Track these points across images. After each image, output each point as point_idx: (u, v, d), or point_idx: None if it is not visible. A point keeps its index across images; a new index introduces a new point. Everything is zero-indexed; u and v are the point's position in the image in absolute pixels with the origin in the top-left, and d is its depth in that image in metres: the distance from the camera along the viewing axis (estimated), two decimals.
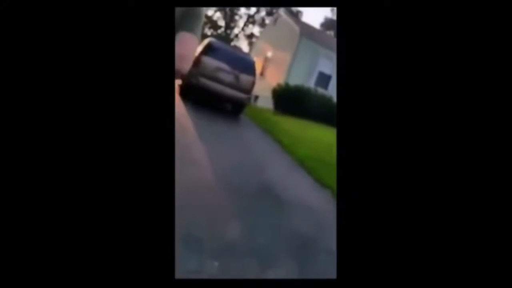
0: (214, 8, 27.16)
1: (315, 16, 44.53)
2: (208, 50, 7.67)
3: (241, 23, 30.64)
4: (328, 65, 14.13)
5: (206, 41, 8.25)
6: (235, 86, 7.66)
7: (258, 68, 10.68)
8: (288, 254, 2.49)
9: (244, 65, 7.94)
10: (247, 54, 9.67)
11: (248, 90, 7.88)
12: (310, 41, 14.23)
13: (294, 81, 12.46)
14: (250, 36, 30.52)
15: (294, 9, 24.63)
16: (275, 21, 17.68)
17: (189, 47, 1.18)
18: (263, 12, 28.96)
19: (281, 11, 17.11)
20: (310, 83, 13.39)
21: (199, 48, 8.13)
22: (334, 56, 13.29)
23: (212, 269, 2.00)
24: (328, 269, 2.41)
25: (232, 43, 28.77)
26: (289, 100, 11.40)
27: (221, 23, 30.06)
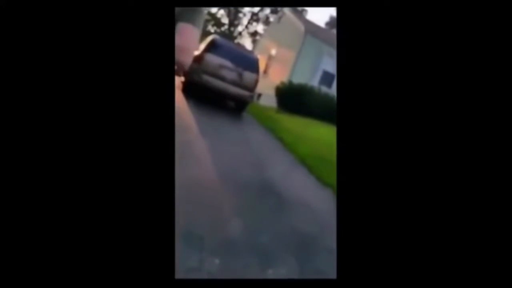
0: None
1: (319, 15, 44.30)
2: (212, 47, 7.66)
3: (245, 20, 30.61)
4: (333, 64, 14.07)
5: (209, 38, 8.24)
6: (238, 84, 7.65)
7: (261, 66, 10.66)
8: (289, 252, 2.49)
9: (248, 62, 7.92)
10: (251, 52, 9.66)
11: (251, 88, 7.87)
12: (315, 40, 14.18)
13: (298, 79, 12.42)
14: (254, 34, 30.48)
15: (299, 7, 24.56)
16: (280, 19, 17.63)
17: (189, 39, 1.18)
18: (267, 10, 28.90)
19: (286, 9, 17.06)
20: (314, 82, 13.36)
21: (202, 45, 8.11)
22: None
23: (212, 267, 2.01)
24: (329, 268, 2.41)
25: (236, 41, 28.74)
26: (292, 98, 11.37)
27: (225, 20, 30.04)
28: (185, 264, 1.93)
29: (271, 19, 25.12)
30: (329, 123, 10.13)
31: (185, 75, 8.44)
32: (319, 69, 14.17)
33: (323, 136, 7.67)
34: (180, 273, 1.82)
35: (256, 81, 7.94)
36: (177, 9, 0.97)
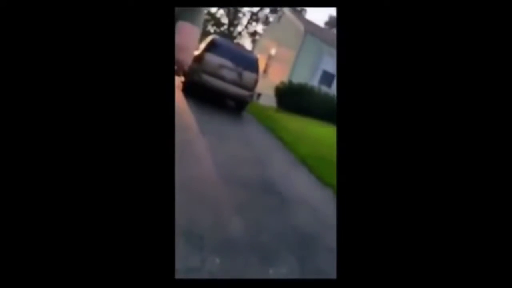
0: None
1: (319, 15, 44.28)
2: (211, 47, 7.67)
3: (244, 20, 30.62)
4: (332, 64, 14.06)
5: (209, 38, 8.25)
6: (238, 84, 7.66)
7: (261, 65, 10.66)
8: (289, 252, 2.50)
9: (247, 62, 7.93)
10: (251, 52, 9.67)
11: (251, 88, 7.88)
12: (314, 39, 14.18)
13: (298, 79, 12.42)
14: (254, 34, 30.49)
15: (298, 7, 24.57)
16: (279, 18, 17.63)
17: (189, 37, 1.16)
18: (266, 10, 28.91)
19: (285, 9, 17.06)
20: (314, 82, 13.36)
21: (202, 45, 8.12)
22: None
23: (213, 266, 2.01)
24: (329, 267, 2.42)
25: (235, 41, 28.75)
26: (292, 98, 11.38)
27: (225, 20, 30.05)
28: (186, 264, 1.93)
29: (271, 19, 25.13)
30: (329, 123, 10.14)
31: (185, 74, 8.44)
32: (319, 68, 14.17)
33: (323, 136, 7.68)
34: (180, 273, 1.82)
35: (256, 81, 7.95)
36: (177, 9, 0.97)
